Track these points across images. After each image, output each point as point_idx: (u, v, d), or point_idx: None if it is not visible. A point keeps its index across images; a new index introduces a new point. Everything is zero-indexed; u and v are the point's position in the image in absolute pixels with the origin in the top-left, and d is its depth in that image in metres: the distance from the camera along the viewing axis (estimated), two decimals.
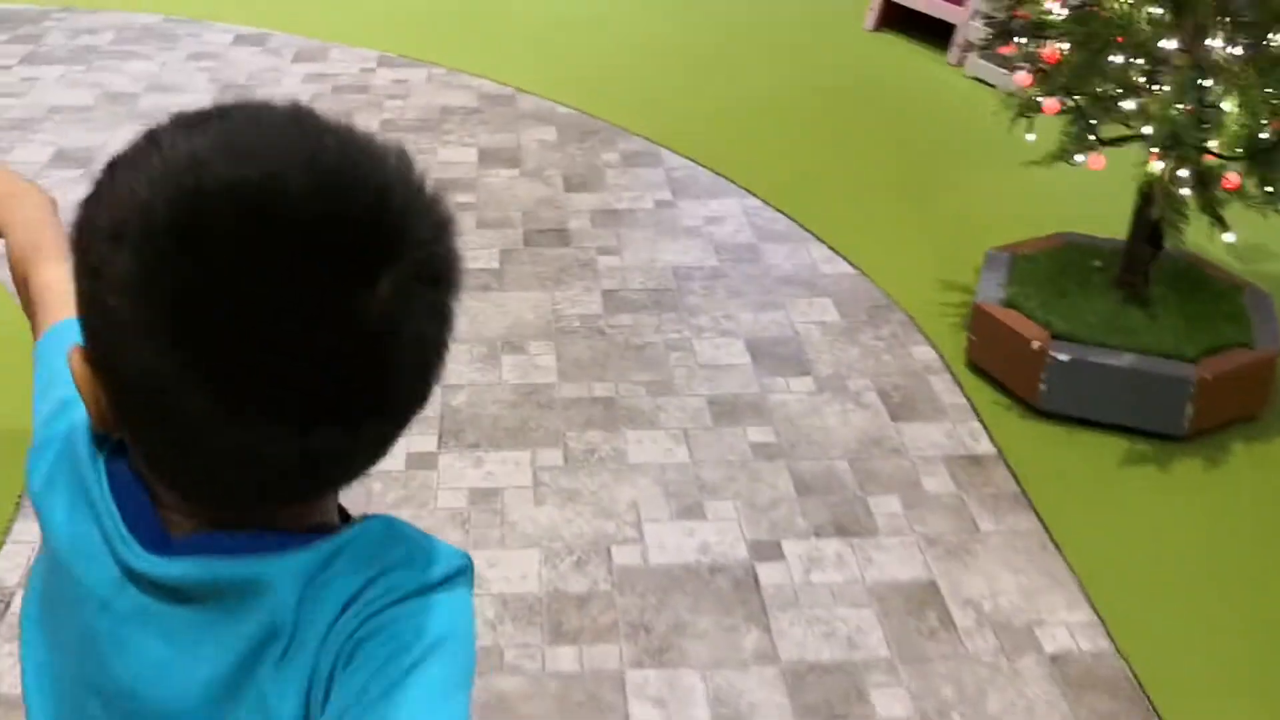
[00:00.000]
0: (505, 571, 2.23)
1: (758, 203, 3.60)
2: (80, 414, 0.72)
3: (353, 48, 4.63)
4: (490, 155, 3.84)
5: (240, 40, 4.70)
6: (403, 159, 0.65)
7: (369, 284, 0.61)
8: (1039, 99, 2.67)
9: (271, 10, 4.96)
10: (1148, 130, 2.48)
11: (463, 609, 0.70)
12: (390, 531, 0.72)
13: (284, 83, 4.29)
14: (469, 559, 0.73)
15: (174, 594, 0.69)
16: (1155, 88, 2.53)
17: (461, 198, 3.55)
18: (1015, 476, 2.54)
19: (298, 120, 0.65)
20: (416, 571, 0.69)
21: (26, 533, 2.25)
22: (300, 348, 0.60)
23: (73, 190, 0.74)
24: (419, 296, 0.64)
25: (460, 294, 0.67)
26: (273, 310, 0.59)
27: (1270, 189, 2.47)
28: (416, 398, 0.67)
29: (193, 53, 4.55)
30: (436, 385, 0.67)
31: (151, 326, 0.60)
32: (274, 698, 0.67)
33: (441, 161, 3.75)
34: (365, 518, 0.72)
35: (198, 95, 4.07)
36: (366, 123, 3.10)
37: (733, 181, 3.70)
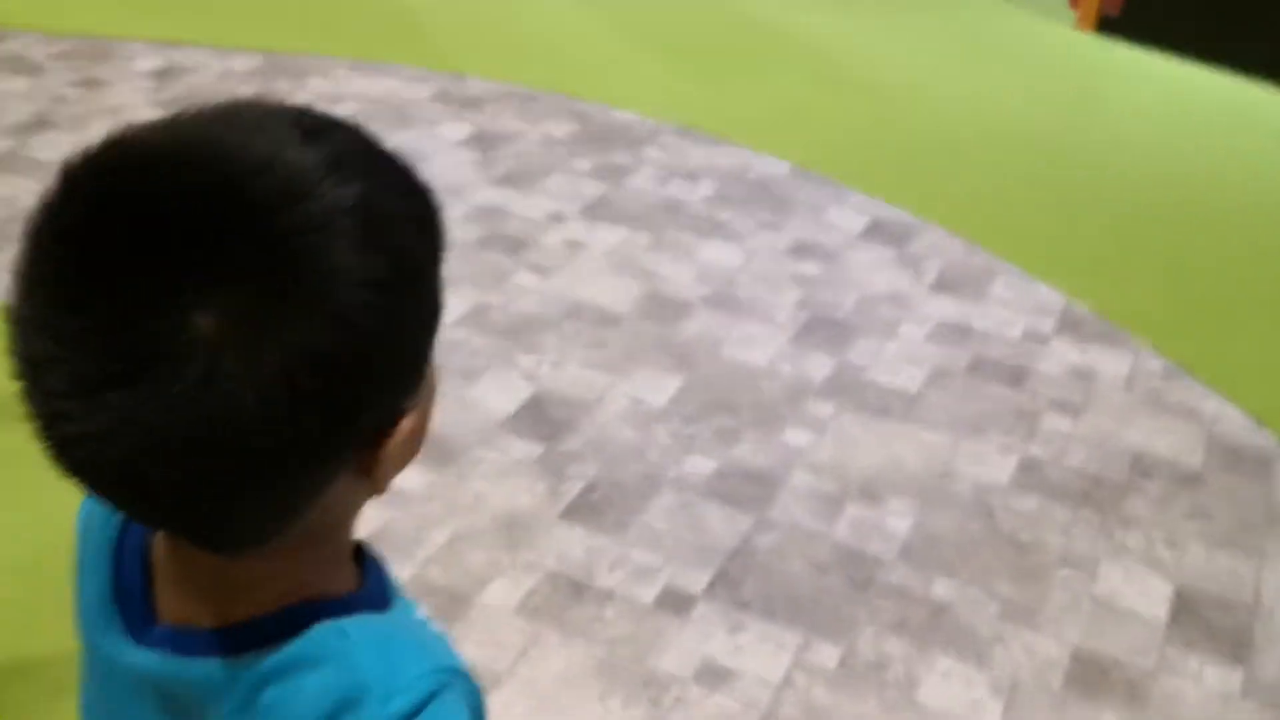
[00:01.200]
0: None
1: None
2: None
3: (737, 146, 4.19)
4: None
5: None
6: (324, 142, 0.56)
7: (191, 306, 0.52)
8: None
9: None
10: None
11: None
12: (346, 642, 0.63)
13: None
14: (458, 670, 0.64)
15: (149, 685, 0.66)
16: None
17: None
18: None
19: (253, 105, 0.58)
20: (377, 706, 0.61)
21: None
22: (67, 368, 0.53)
23: None
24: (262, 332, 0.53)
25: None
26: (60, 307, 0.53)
27: None
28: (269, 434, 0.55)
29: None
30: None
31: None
32: None
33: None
34: (325, 615, 0.63)
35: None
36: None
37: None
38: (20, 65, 4.25)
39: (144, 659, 0.65)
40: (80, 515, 0.73)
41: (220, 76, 4.18)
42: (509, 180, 3.53)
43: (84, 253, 0.53)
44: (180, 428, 0.53)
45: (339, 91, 4.09)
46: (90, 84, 4.09)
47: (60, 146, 3.64)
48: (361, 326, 0.55)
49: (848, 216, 3.42)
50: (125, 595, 0.67)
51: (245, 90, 4.04)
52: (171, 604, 0.66)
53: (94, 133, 3.71)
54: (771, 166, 3.70)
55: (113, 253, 0.53)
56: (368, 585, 0.68)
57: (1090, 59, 4.90)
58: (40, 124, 3.78)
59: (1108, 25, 5.10)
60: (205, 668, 0.63)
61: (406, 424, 0.62)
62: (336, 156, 0.56)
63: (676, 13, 5.13)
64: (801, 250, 3.22)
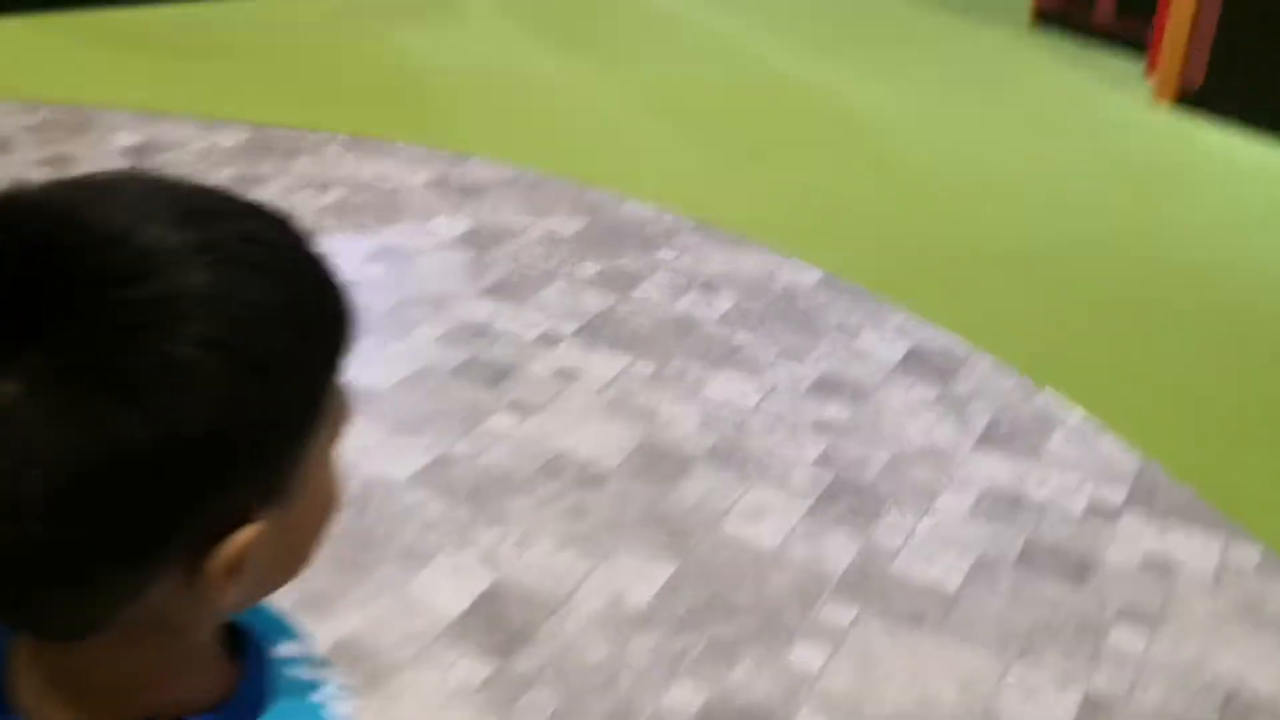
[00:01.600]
0: None
1: None
2: None
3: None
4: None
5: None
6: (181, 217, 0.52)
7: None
8: None
9: None
10: None
11: None
12: None
13: None
14: None
15: None
16: None
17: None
18: None
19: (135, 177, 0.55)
20: None
21: None
22: None
23: None
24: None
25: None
26: None
27: None
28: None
29: None
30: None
31: None
32: None
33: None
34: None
35: None
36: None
37: None
38: None
39: None
40: None
41: (200, 155, 3.81)
42: (501, 290, 3.12)
43: None
44: None
45: (326, 175, 3.71)
46: (58, 162, 3.75)
47: None
48: (184, 424, 0.50)
49: (884, 342, 2.96)
50: None
51: (224, 174, 3.67)
52: (26, 700, 0.59)
53: None
54: (799, 274, 3.25)
55: None
56: (241, 690, 0.61)
57: (1170, 139, 4.40)
58: None
59: (1189, 97, 4.60)
60: None
61: (248, 534, 0.54)
62: (209, 242, 0.52)
63: (700, 86, 4.70)
64: (828, 387, 2.77)
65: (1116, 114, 4.62)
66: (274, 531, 0.55)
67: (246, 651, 0.62)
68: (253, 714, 0.60)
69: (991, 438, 2.62)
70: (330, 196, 3.58)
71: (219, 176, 3.61)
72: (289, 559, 0.60)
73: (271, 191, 3.54)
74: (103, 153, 3.82)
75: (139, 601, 0.54)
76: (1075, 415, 2.71)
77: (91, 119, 4.08)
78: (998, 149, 4.22)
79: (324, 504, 0.60)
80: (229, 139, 3.94)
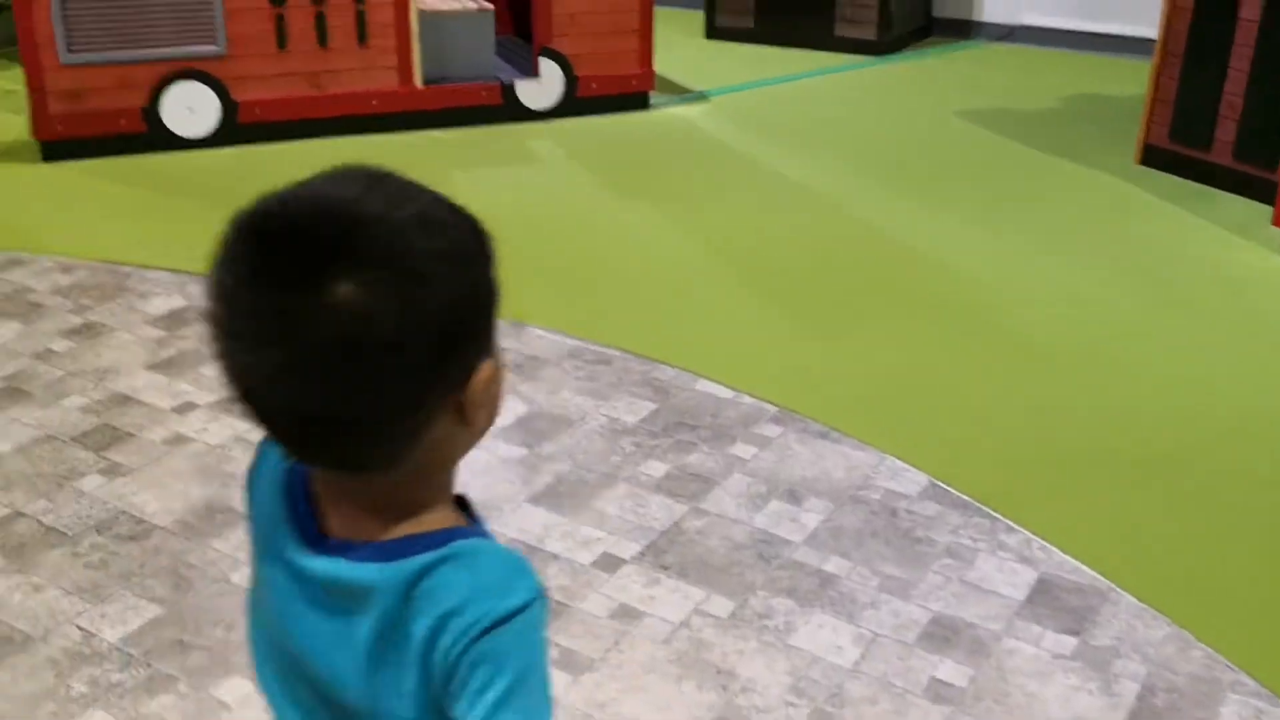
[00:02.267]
0: None
1: None
2: None
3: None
4: None
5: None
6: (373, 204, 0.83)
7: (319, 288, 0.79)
8: None
9: None
10: None
11: (537, 642, 0.86)
12: (476, 554, 0.87)
13: None
14: (541, 590, 0.87)
15: (320, 585, 0.88)
16: None
17: None
18: None
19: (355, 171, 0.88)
20: (497, 600, 0.84)
21: None
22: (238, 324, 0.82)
23: None
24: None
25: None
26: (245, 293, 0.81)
27: None
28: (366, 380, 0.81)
29: None
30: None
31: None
32: (400, 681, 0.86)
33: None
34: (458, 538, 0.88)
35: None
36: None
37: None
38: (19, 303, 3.66)
39: (321, 565, 0.88)
40: (248, 471, 0.98)
41: None
42: (555, 495, 2.72)
43: (258, 255, 0.80)
44: (318, 369, 0.79)
45: None
46: (86, 333, 3.46)
47: (26, 422, 2.98)
48: (449, 295, 0.81)
49: (1004, 572, 2.50)
50: (300, 519, 0.90)
51: None
52: (335, 525, 0.89)
53: (67, 409, 2.98)
54: (899, 479, 2.81)
55: (273, 258, 0.80)
56: (478, 524, 0.94)
57: None
58: (9, 392, 3.14)
59: None
60: (368, 571, 0.86)
61: (487, 369, 0.86)
62: (414, 216, 0.84)
63: (782, 242, 4.32)
64: (940, 635, 2.31)
65: (1243, 269, 4.15)
66: (490, 369, 0.86)
67: (470, 509, 0.95)
68: (487, 537, 0.91)
69: (1144, 713, 2.14)
70: None
71: None
72: (497, 393, 0.89)
73: None
74: (134, 321, 3.53)
75: (424, 439, 0.84)
76: (1247, 683, 2.22)
77: (129, 280, 3.80)
78: (1117, 314, 3.77)
79: (500, 362, 0.89)
80: None
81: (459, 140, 5.35)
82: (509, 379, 1.02)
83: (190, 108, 4.96)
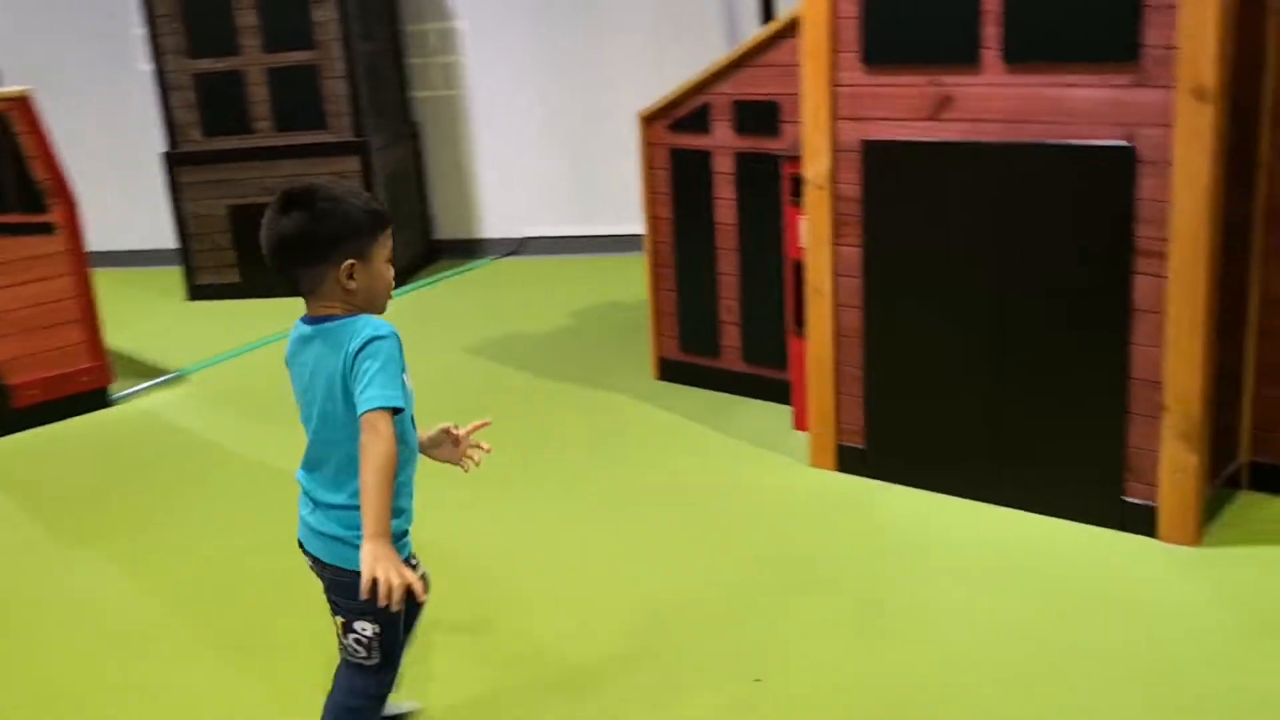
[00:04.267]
0: None
1: None
2: None
3: None
4: None
5: None
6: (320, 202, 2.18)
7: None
8: None
9: None
10: None
11: (392, 341, 2.11)
12: (368, 319, 2.14)
13: None
14: (395, 332, 2.13)
15: (311, 336, 2.19)
16: None
17: None
18: None
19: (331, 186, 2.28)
20: (373, 332, 2.10)
21: None
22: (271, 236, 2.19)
23: None
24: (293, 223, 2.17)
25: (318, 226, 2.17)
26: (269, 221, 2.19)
27: None
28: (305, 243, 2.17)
29: None
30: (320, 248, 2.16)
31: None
32: (336, 371, 2.14)
33: None
34: (361, 318, 2.18)
35: None
36: None
37: None
38: None
39: (310, 329, 2.20)
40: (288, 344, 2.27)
41: None
42: None
43: (275, 203, 2.20)
44: (283, 241, 2.17)
45: None
46: None
47: None
48: (331, 226, 2.16)
49: None
50: (303, 321, 2.23)
51: None
52: (310, 311, 2.22)
53: None
54: None
55: (278, 203, 2.19)
56: (372, 319, 2.17)
57: (853, 502, 3.64)
58: None
59: (850, 460, 3.90)
60: (326, 326, 2.17)
61: (350, 262, 2.17)
62: (329, 193, 2.22)
63: (259, 576, 3.57)
64: None
65: (773, 491, 3.85)
66: (362, 273, 2.18)
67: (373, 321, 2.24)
68: (374, 320, 2.22)
69: None
70: None
71: None
72: (373, 295, 2.22)
73: None
74: None
75: (329, 282, 2.18)
76: None
77: None
78: (646, 563, 3.31)
79: (384, 276, 2.24)
80: None
81: None
82: (388, 275, 2.22)
83: None
